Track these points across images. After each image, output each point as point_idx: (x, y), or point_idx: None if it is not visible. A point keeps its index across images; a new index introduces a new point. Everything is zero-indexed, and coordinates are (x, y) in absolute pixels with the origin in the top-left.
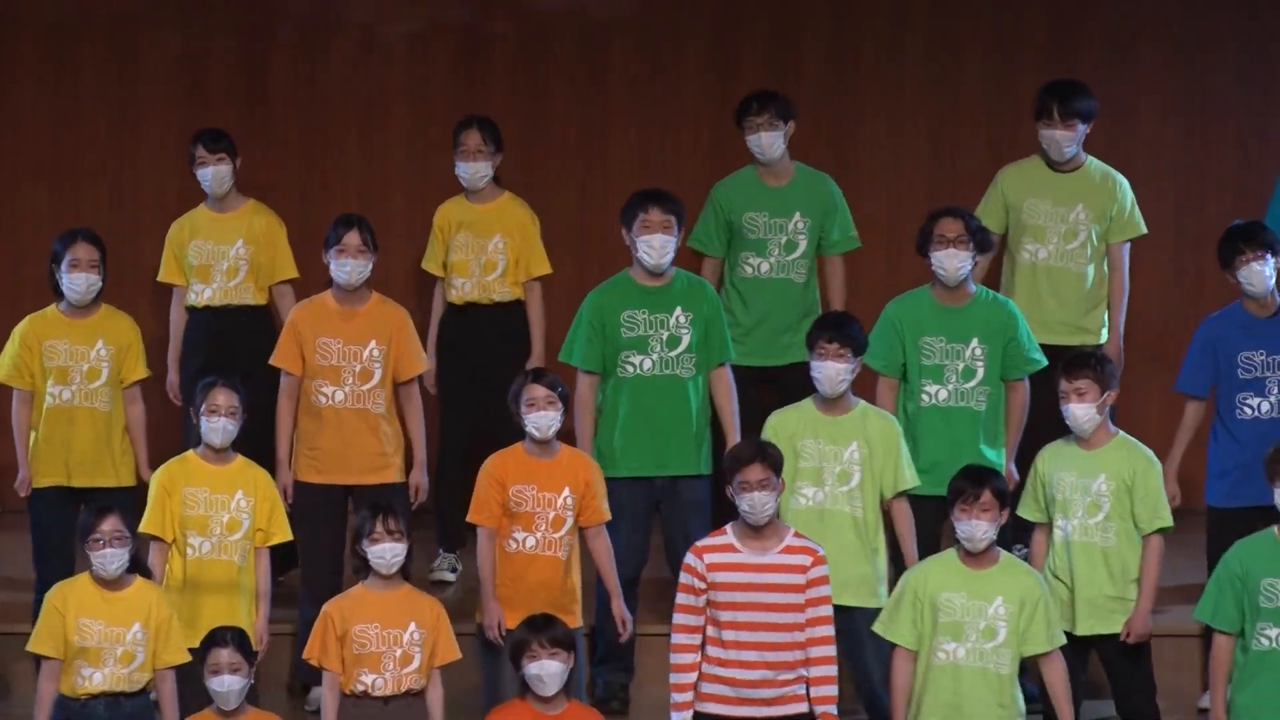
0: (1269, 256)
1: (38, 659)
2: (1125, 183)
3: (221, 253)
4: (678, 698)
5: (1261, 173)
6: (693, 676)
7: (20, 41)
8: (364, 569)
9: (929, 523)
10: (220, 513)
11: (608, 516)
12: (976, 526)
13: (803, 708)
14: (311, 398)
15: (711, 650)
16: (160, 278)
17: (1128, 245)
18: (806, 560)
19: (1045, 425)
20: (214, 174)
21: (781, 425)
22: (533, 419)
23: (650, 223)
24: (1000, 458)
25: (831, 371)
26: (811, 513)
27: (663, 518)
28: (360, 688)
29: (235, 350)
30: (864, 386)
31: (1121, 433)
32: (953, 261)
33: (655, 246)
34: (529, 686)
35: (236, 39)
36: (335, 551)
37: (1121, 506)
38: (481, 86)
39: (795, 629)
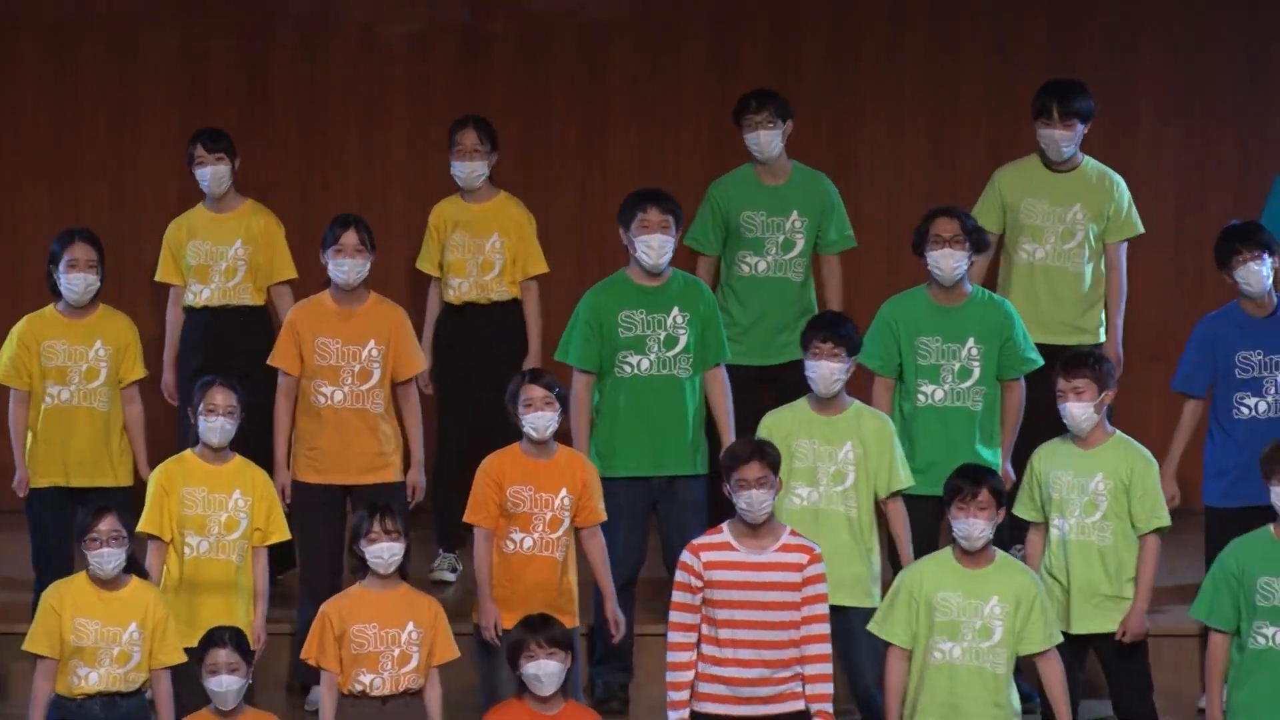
0: (1266, 256)
1: (36, 659)
2: (1122, 182)
3: (220, 253)
4: (674, 696)
5: (1261, 173)
6: (689, 675)
7: (20, 41)
8: (361, 569)
9: (927, 522)
10: (218, 512)
11: (604, 517)
12: (974, 525)
13: (799, 705)
14: (310, 398)
15: (707, 649)
16: (157, 277)
17: (1125, 245)
18: (803, 559)
19: (1042, 425)
20: (212, 174)
21: (776, 425)
22: (530, 419)
23: (649, 222)
24: (996, 457)
25: (826, 371)
26: (806, 513)
27: (660, 518)
28: (358, 687)
29: (233, 350)
30: (860, 387)
31: (1118, 432)
32: (949, 261)
33: (654, 246)
34: (526, 686)
35: (236, 39)
36: (334, 551)
37: (1119, 506)
38: (481, 86)
39: (792, 627)
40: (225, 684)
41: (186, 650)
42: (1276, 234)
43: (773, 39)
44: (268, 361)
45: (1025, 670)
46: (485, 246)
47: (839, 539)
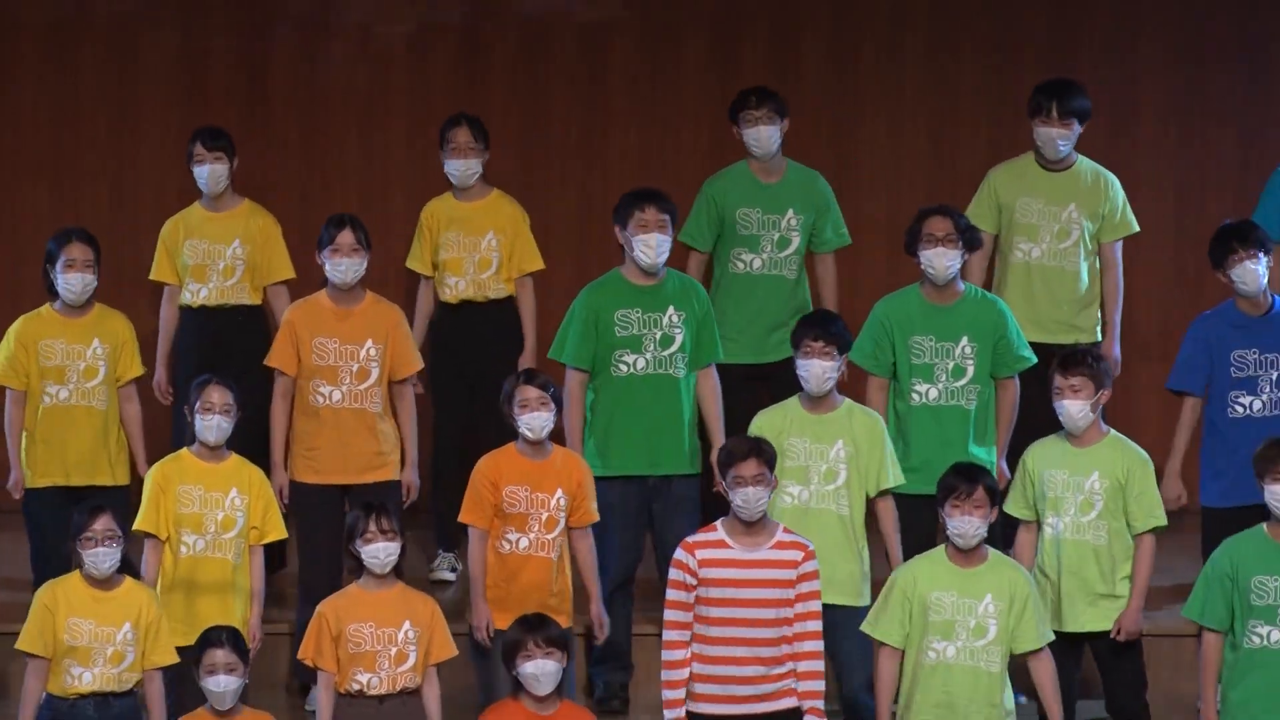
0: (1261, 255)
1: (28, 657)
2: (1116, 182)
3: (218, 252)
4: (669, 696)
5: (1261, 173)
6: (685, 674)
7: (20, 41)
8: (358, 569)
9: (923, 522)
10: (215, 510)
11: (597, 518)
12: (969, 523)
13: (794, 702)
14: (309, 398)
15: (702, 649)
16: (152, 276)
17: (1120, 244)
18: (798, 555)
19: (1036, 423)
20: (210, 172)
21: (767, 424)
22: (525, 420)
23: (646, 222)
24: (990, 456)
25: (818, 370)
26: (797, 511)
27: (654, 517)
28: (355, 687)
29: (231, 350)
30: (855, 387)
31: (1113, 431)
32: (942, 260)
33: (652, 246)
34: (522, 686)
35: (236, 39)
36: (333, 552)
37: (1114, 505)
38: (481, 86)
39: (786, 624)
40: (223, 684)
41: (183, 649)
42: (1270, 232)
43: (773, 39)
44: (265, 362)
45: (1016, 675)
46: (481, 244)
47: (830, 537)
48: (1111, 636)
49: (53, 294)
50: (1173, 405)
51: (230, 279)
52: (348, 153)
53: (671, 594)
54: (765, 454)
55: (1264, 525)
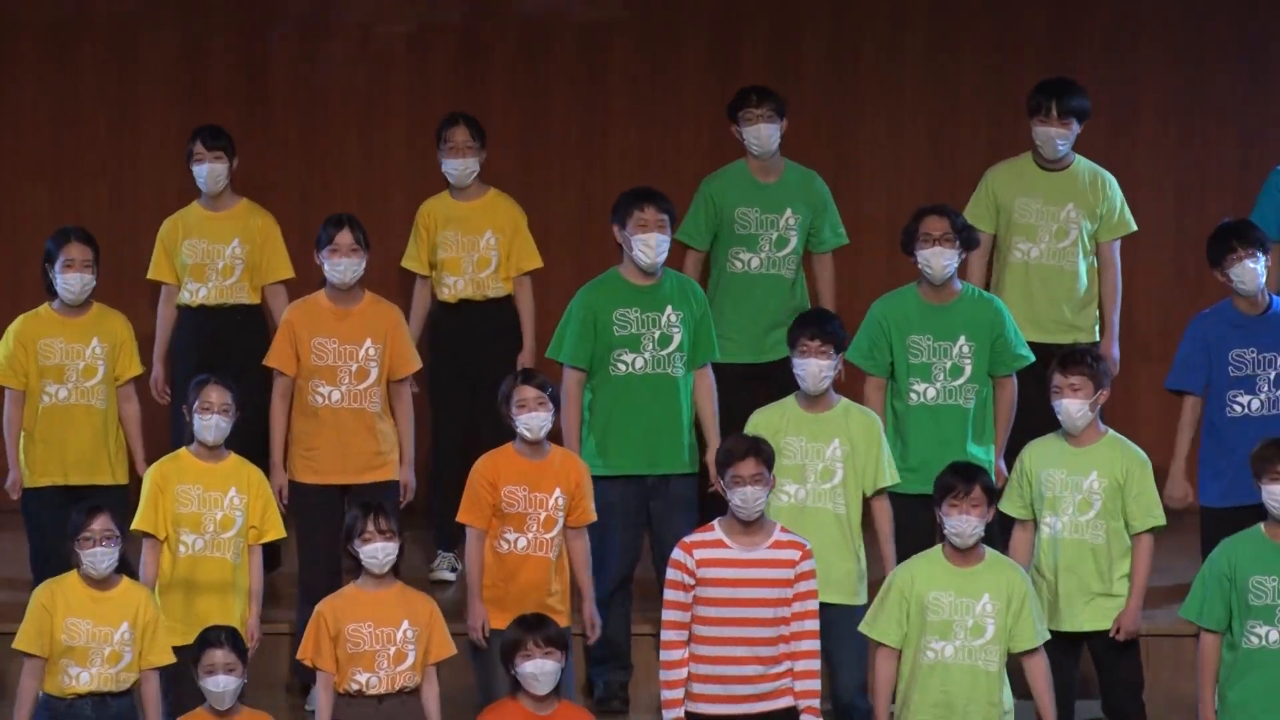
0: (1260, 254)
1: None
2: (1114, 181)
3: (217, 251)
4: (668, 696)
5: (1261, 173)
6: (683, 674)
7: (20, 41)
8: (356, 568)
9: (921, 521)
10: (213, 510)
11: (594, 518)
12: (966, 522)
13: (791, 701)
14: (308, 398)
15: (700, 649)
16: (150, 275)
17: (1118, 243)
18: (795, 555)
19: (1034, 422)
20: (209, 171)
21: (764, 423)
22: (523, 420)
23: (646, 221)
24: (989, 455)
25: (814, 369)
26: (793, 510)
27: (652, 516)
28: (354, 686)
29: (230, 350)
30: (852, 386)
31: (1110, 431)
32: (939, 260)
33: (652, 245)
34: (520, 685)
35: (236, 39)
36: (333, 552)
37: (1113, 504)
38: (481, 86)
39: (784, 623)
40: (222, 684)
41: (182, 649)
42: (1268, 231)
43: (773, 39)
44: (264, 362)
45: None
46: (480, 243)
47: (826, 536)
48: (1111, 636)
49: (52, 293)
50: (1172, 405)
51: (229, 278)
52: (348, 153)
53: (669, 594)
54: (764, 453)
55: (1261, 525)
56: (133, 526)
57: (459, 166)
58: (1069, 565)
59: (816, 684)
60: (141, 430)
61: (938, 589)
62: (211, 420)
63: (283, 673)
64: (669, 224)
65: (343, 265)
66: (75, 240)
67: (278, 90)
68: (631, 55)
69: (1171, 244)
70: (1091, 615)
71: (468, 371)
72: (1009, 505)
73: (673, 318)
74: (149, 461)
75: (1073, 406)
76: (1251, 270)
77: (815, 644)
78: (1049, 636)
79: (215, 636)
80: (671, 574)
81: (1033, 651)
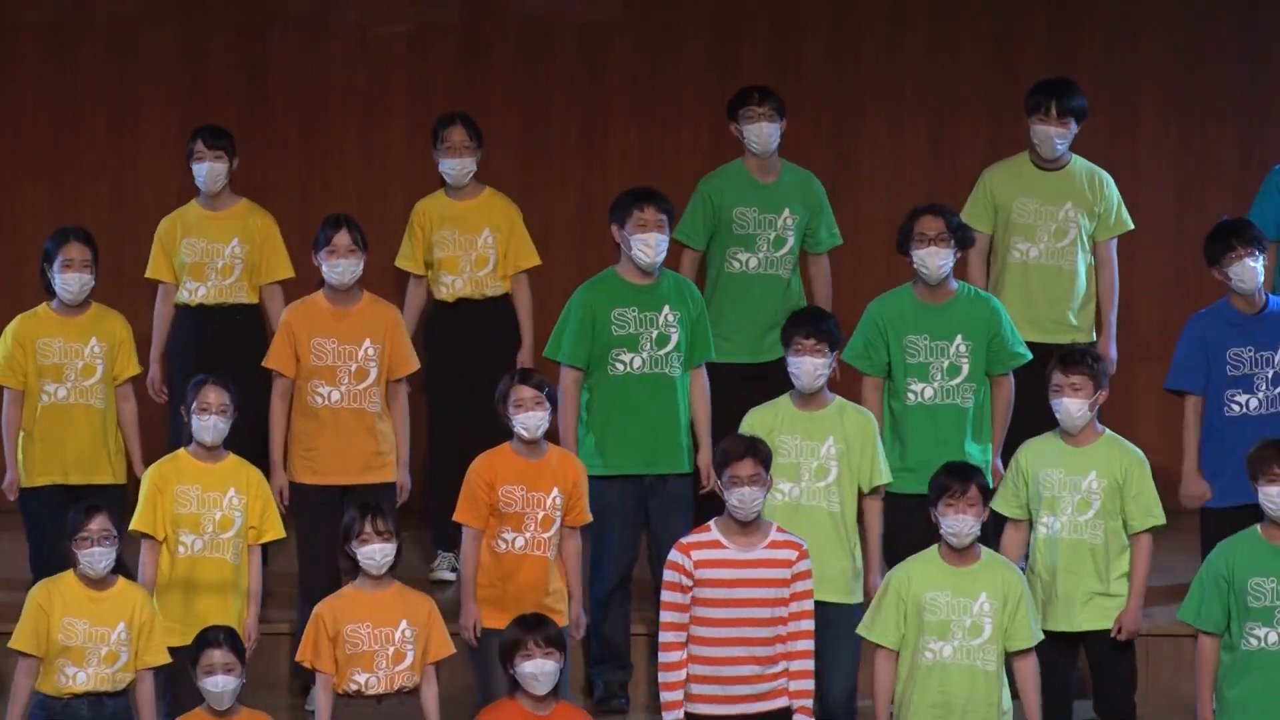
0: (1258, 253)
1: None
2: (1111, 180)
3: (216, 251)
4: (668, 697)
5: (1261, 173)
6: (682, 675)
7: (20, 41)
8: (354, 569)
9: (919, 521)
10: (212, 510)
11: (590, 519)
12: (963, 522)
13: (788, 701)
14: (307, 398)
15: (698, 649)
16: (148, 274)
17: (1114, 242)
18: (792, 555)
19: (1032, 421)
20: (209, 170)
21: (759, 422)
22: (521, 419)
23: (645, 221)
24: (986, 454)
25: (809, 367)
26: (788, 508)
27: (650, 516)
28: (353, 687)
29: (229, 350)
30: (850, 387)
31: (1108, 430)
32: (934, 259)
33: (651, 245)
34: (519, 685)
35: (236, 39)
36: (333, 552)
37: (1112, 504)
38: (481, 86)
39: (781, 623)
40: (221, 684)
41: (181, 649)
42: (1266, 231)
43: (773, 39)
44: (263, 363)
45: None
46: (478, 242)
47: (821, 535)
48: (1112, 635)
49: (50, 293)
50: (1172, 405)
51: (228, 278)
52: (348, 153)
53: (667, 595)
54: (761, 454)
55: (1258, 526)
56: (131, 527)
57: (456, 166)
58: (1067, 565)
59: (810, 684)
60: (139, 430)
61: (934, 589)
62: (209, 421)
63: (282, 673)
64: (668, 224)
65: (341, 266)
66: (74, 240)
67: (278, 90)
68: (631, 55)
69: (1171, 244)
70: (1090, 615)
71: (466, 371)
72: (1003, 505)
73: (670, 317)
74: (147, 461)
75: (1073, 406)
76: (1250, 269)
77: (810, 644)
78: (1043, 636)
79: (213, 636)
80: (669, 575)
81: (1025, 652)
